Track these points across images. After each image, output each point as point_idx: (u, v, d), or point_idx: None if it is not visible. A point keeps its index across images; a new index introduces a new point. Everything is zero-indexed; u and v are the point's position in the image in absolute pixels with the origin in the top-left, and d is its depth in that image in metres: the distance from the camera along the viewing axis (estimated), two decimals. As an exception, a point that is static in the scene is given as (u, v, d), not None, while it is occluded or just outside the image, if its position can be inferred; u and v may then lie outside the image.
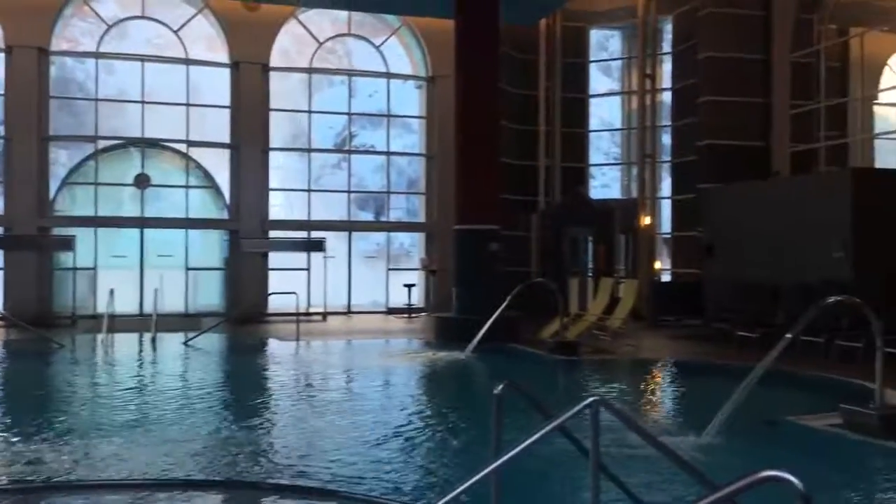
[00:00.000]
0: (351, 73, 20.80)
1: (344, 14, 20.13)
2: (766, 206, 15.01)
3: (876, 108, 17.34)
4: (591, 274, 19.10)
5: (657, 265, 20.23)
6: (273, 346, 14.39)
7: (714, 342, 14.04)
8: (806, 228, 13.80)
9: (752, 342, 12.46)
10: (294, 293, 15.00)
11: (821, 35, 16.75)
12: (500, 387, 4.71)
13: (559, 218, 19.75)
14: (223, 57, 19.38)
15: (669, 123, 20.36)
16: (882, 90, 17.20)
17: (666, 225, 20.53)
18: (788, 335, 6.87)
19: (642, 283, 17.61)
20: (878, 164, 16.57)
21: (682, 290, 18.18)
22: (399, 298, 20.00)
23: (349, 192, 20.69)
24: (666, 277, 20.30)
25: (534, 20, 19.26)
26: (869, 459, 6.38)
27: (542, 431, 4.04)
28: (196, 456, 6.21)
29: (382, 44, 20.78)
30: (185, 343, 13.65)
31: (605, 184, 22.67)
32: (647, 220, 19.39)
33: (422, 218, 21.19)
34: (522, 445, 3.98)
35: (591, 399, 3.90)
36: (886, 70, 17.48)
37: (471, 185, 15.00)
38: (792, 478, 2.51)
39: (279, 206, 20.34)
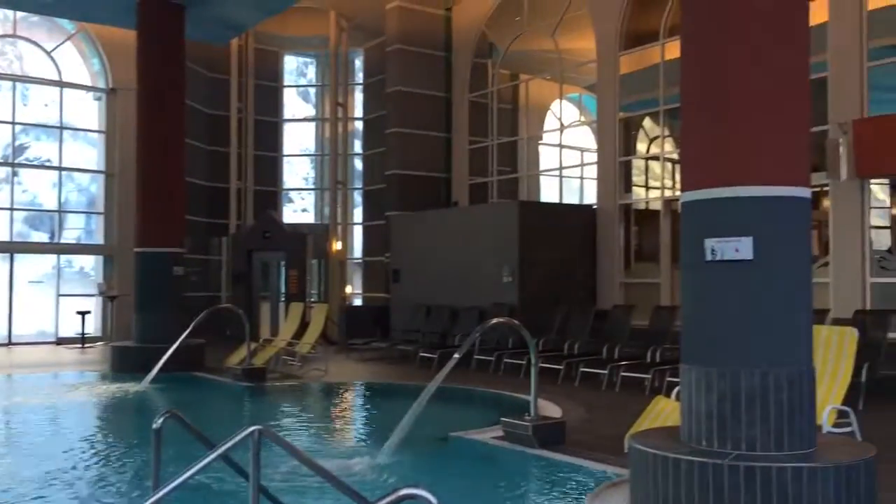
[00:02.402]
0: (16, 79, 18.73)
1: (11, 13, 18.14)
2: (447, 234, 16.02)
3: (541, 148, 19.26)
4: (283, 299, 18.96)
5: (348, 290, 20.65)
6: None
7: (399, 364, 14.57)
8: (481, 254, 14.92)
9: (432, 363, 13.12)
10: (-63, 324, 13.08)
11: (494, 79, 18.36)
12: (160, 419, 4.52)
13: (250, 242, 19.40)
14: None
15: (361, 152, 20.98)
16: (546, 131, 19.18)
17: (358, 250, 21.08)
18: (456, 355, 7.33)
19: (333, 308, 17.87)
20: (543, 198, 18.41)
21: (371, 313, 18.69)
22: (72, 327, 18.27)
23: (12, 209, 18.55)
24: (358, 301, 20.78)
25: (224, 40, 18.79)
26: (521, 468, 6.94)
27: (202, 463, 3.91)
28: None
29: (55, 49, 19.01)
30: None
31: (304, 208, 22.74)
32: (338, 246, 19.73)
33: (100, 240, 19.61)
34: (182, 478, 3.82)
35: (251, 428, 3.85)
36: (549, 114, 19.53)
37: (154, 206, 14.22)
38: (426, 493, 2.63)
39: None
